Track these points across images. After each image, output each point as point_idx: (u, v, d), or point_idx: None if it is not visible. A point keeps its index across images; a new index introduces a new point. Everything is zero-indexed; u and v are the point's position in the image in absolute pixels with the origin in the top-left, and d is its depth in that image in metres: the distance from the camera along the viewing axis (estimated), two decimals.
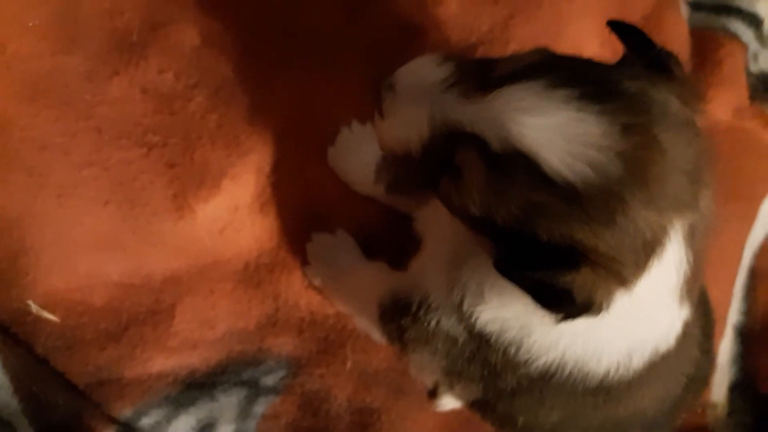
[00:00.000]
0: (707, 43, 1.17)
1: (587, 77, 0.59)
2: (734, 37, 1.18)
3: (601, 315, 0.60)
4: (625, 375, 0.70)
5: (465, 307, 0.73)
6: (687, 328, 0.71)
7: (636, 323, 0.66)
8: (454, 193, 0.63)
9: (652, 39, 0.66)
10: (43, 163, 0.92)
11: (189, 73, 0.97)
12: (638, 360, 0.69)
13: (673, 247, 0.60)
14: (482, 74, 0.62)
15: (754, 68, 1.22)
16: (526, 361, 0.71)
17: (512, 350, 0.72)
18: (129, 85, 0.95)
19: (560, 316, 0.60)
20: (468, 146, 0.60)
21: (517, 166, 0.57)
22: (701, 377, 0.89)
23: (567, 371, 0.71)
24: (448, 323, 0.76)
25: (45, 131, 0.92)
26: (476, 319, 0.73)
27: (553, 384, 0.72)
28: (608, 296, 0.59)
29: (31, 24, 0.92)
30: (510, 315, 0.70)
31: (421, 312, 0.78)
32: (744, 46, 1.19)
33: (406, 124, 0.65)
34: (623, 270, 0.59)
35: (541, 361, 0.71)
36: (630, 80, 0.60)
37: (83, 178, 0.93)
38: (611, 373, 0.70)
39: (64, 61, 0.93)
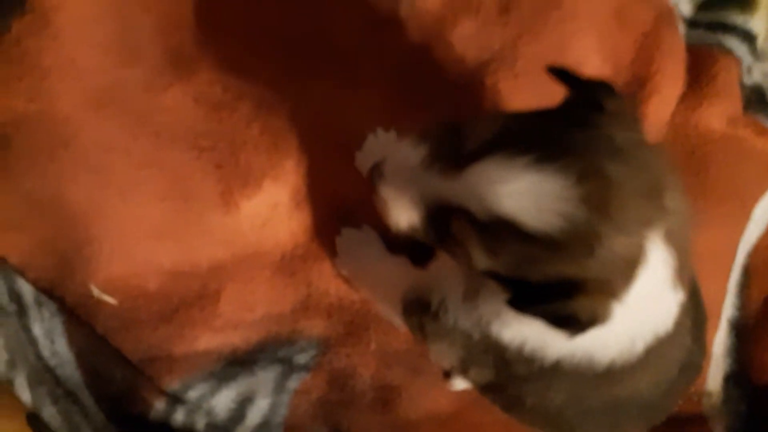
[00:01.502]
0: (703, 59, 1.21)
1: (540, 138, 0.66)
2: (729, 52, 1.22)
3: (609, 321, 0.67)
4: (628, 360, 0.74)
5: (482, 323, 0.79)
6: (681, 314, 0.75)
7: (637, 317, 0.71)
8: (458, 254, 0.70)
9: (580, 77, 0.73)
10: (108, 163, 1.00)
11: (235, 86, 1.04)
12: (640, 345, 0.74)
13: (655, 252, 0.66)
14: (454, 149, 0.68)
15: (748, 81, 1.26)
16: (539, 358, 0.77)
17: (526, 350, 0.78)
18: (182, 95, 1.03)
19: (571, 333, 0.67)
20: (458, 216, 0.67)
21: (502, 228, 0.65)
22: (693, 364, 0.92)
23: (576, 361, 0.75)
24: (465, 325, 0.81)
25: (109, 135, 1.00)
26: (494, 332, 0.79)
27: (561, 371, 0.77)
28: (606, 309, 0.66)
29: (96, 41, 1.00)
30: (527, 331, 0.76)
31: (440, 312, 0.83)
32: (738, 61, 1.22)
33: (403, 206, 0.73)
34: (613, 287, 0.66)
35: (553, 357, 0.76)
36: (575, 129, 0.66)
37: (143, 177, 1.01)
38: (616, 360, 0.74)
39: (126, 73, 1.01)
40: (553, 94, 1.09)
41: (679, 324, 0.77)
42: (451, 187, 0.67)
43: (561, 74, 0.75)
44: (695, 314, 0.88)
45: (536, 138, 0.66)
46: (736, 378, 1.23)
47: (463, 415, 1.12)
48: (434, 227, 0.71)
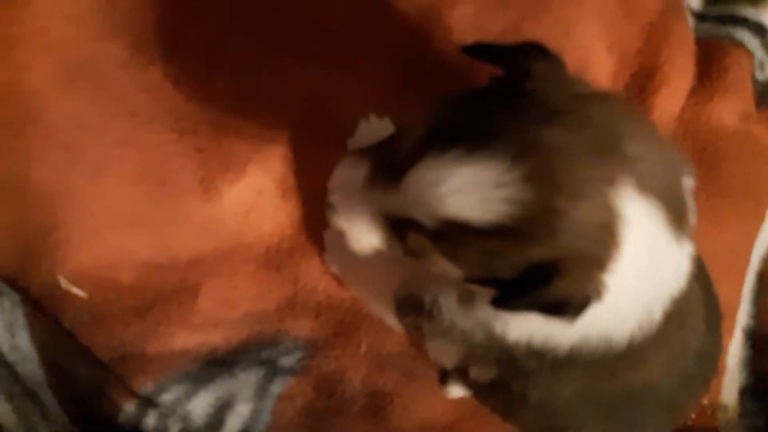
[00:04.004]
0: (713, 51, 1.18)
1: (469, 125, 0.61)
2: (740, 45, 1.18)
3: (604, 295, 0.62)
4: (648, 332, 0.69)
5: (484, 325, 0.74)
6: (692, 281, 0.70)
7: (647, 279, 0.65)
8: (426, 265, 0.66)
9: (501, 46, 0.69)
10: (79, 141, 0.95)
11: (218, 67, 1.00)
12: (658, 311, 0.68)
13: (632, 207, 0.60)
14: (391, 160, 0.64)
15: (760, 76, 1.22)
16: (552, 349, 0.71)
17: (536, 344, 0.72)
18: (162, 74, 0.98)
19: (568, 318, 0.62)
20: (411, 228, 0.63)
21: (454, 231, 0.60)
22: (708, 355, 0.87)
23: (593, 345, 0.69)
24: (465, 325, 0.76)
25: (81, 112, 0.95)
26: (498, 332, 0.73)
27: (576, 359, 0.71)
28: (596, 284, 0.61)
29: (72, 12, 0.96)
30: (530, 325, 0.70)
31: (434, 311, 0.79)
32: (750, 54, 1.19)
33: (359, 231, 0.71)
34: (595, 258, 0.60)
35: (566, 346, 0.70)
36: (504, 105, 0.62)
37: (116, 156, 0.96)
38: (636, 335, 0.69)
39: (102, 48, 0.97)
40: None
41: (691, 298, 0.72)
42: (393, 201, 0.64)
43: (481, 50, 0.71)
44: (708, 301, 0.83)
45: (465, 126, 0.62)
46: (753, 391, 1.18)
47: (460, 426, 1.07)
48: (396, 243, 0.68)
